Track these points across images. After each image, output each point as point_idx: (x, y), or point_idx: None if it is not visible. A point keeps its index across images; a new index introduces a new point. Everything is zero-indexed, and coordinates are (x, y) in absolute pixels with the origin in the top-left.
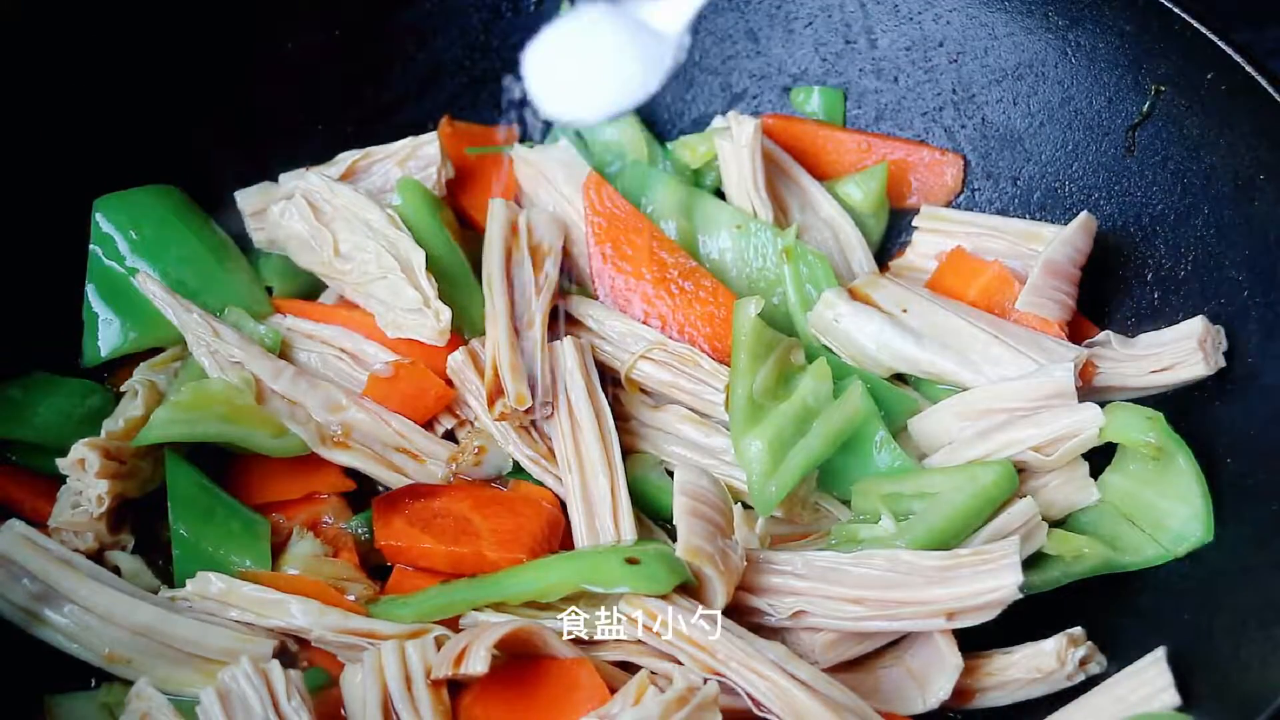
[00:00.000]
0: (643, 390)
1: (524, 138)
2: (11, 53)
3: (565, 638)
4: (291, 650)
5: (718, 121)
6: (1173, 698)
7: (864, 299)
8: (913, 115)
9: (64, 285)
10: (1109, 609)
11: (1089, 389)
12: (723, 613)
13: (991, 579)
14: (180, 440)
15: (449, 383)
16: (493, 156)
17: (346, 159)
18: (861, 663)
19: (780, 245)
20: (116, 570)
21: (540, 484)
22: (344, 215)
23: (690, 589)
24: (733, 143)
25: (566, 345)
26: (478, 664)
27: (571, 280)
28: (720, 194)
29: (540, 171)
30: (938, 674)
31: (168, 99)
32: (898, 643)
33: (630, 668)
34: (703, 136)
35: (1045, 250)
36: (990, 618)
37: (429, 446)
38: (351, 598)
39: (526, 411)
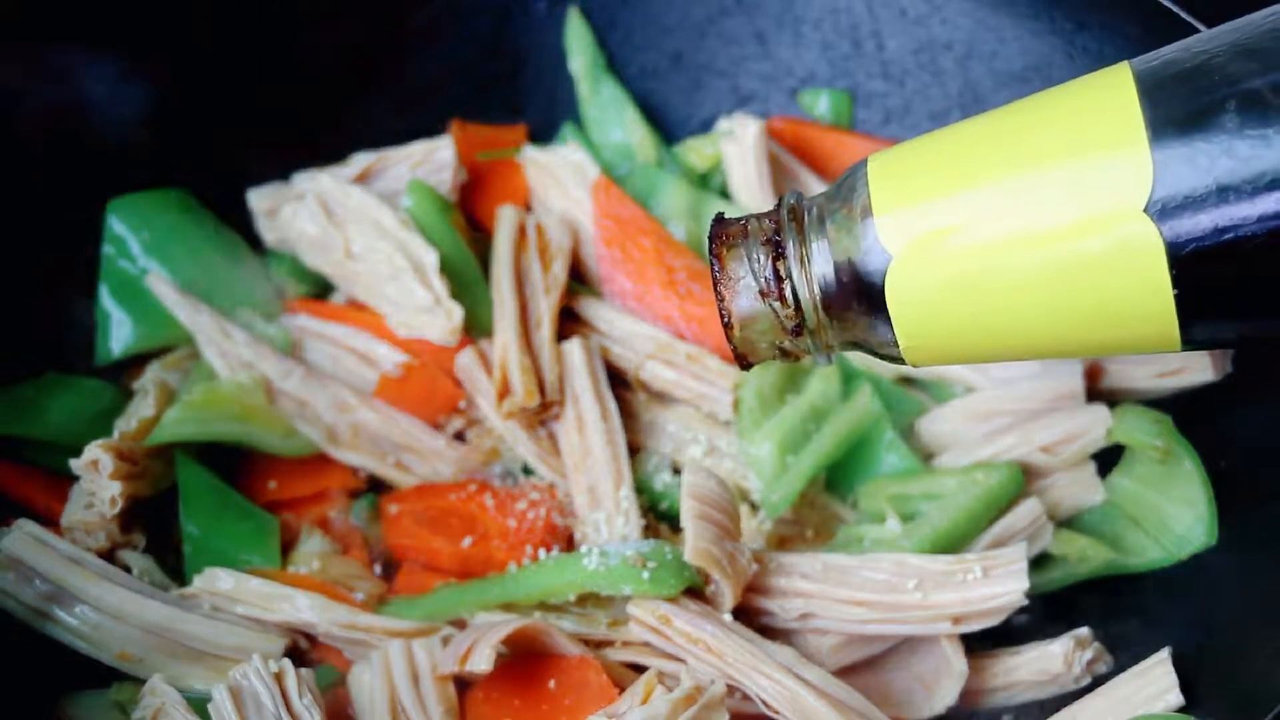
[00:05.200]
0: (650, 390)
1: (533, 139)
2: (21, 52)
3: (573, 637)
4: (302, 648)
5: (722, 124)
6: (1177, 698)
7: None
8: (920, 118)
9: (77, 285)
10: (1114, 608)
11: (1096, 391)
12: (731, 614)
13: (998, 584)
14: (192, 440)
15: (458, 383)
16: (502, 160)
17: (360, 161)
18: (869, 667)
19: None
20: (128, 569)
21: (548, 483)
22: (355, 217)
23: (698, 591)
24: (737, 145)
25: (574, 345)
26: (482, 661)
27: (581, 281)
28: (727, 196)
29: (550, 173)
30: (944, 680)
31: (179, 101)
32: (905, 647)
33: (638, 667)
34: (709, 139)
35: None
36: (996, 623)
37: (438, 447)
38: (359, 597)
39: (535, 411)
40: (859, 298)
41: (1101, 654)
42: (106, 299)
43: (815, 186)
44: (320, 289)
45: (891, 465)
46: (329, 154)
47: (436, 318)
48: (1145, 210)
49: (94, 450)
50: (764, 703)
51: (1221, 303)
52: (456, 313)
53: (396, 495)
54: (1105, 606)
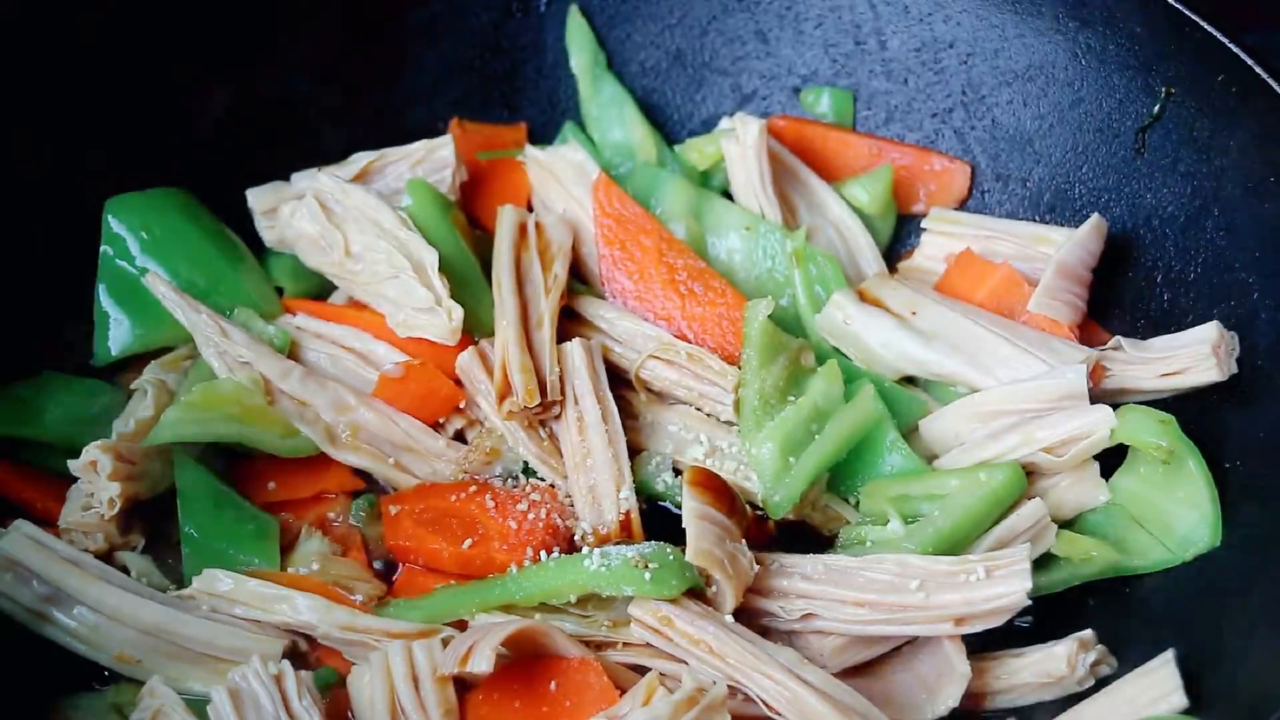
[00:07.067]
0: (651, 390)
1: (534, 138)
2: (22, 53)
3: (574, 638)
4: (301, 650)
5: (724, 123)
6: (1181, 700)
7: (873, 301)
8: (923, 117)
9: (75, 285)
10: (1118, 610)
11: (1100, 391)
12: (733, 615)
13: (1001, 585)
14: (190, 440)
15: (458, 383)
16: (502, 159)
17: (360, 160)
18: (871, 668)
19: (789, 247)
20: (126, 570)
21: (549, 484)
22: (355, 216)
23: (700, 592)
24: (739, 144)
25: (574, 345)
26: (482, 662)
27: (581, 281)
28: (728, 195)
29: (550, 172)
30: (947, 682)
31: (179, 99)
32: (907, 648)
33: (640, 669)
34: (710, 138)
35: (1058, 252)
36: (998, 623)
37: (438, 447)
38: (359, 598)
39: (535, 411)
40: None
41: (1105, 656)
42: (105, 299)
43: (816, 186)
44: (320, 289)
45: (894, 466)
46: (329, 154)
47: (436, 317)
48: None
49: (92, 451)
50: (765, 704)
51: None
52: (456, 312)
53: (396, 496)
54: (1109, 608)
